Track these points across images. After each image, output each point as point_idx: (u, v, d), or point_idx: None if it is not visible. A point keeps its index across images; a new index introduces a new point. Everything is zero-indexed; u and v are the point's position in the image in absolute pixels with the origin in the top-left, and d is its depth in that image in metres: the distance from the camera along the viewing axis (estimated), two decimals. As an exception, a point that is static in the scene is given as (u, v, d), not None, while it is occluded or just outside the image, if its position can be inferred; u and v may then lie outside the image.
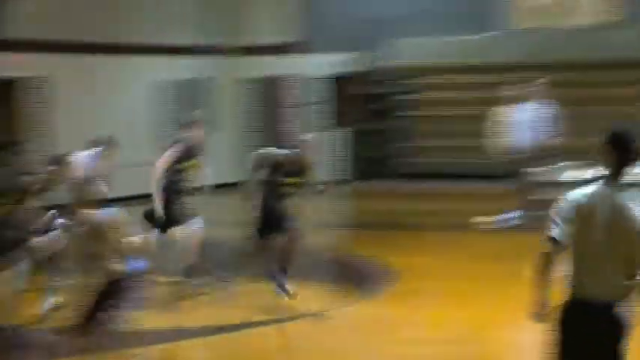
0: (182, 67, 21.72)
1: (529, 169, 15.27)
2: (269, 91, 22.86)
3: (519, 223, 15.13)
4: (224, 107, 22.54)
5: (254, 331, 9.64)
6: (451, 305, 10.37)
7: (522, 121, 15.26)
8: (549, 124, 15.29)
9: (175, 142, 11.11)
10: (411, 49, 21.25)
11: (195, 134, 11.17)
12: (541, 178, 15.60)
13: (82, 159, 11.91)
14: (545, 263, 5.35)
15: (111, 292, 7.81)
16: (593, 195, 5.27)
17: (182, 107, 21.61)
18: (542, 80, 15.67)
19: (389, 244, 13.40)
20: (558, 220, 5.32)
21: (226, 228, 12.21)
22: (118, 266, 7.80)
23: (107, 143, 12.33)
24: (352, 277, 10.54)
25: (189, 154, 11.05)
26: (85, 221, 7.87)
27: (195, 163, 11.19)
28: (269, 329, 9.73)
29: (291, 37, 22.50)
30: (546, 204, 16.14)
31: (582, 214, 5.25)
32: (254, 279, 11.20)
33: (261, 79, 22.88)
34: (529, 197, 15.36)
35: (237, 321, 9.93)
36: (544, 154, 15.40)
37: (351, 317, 10.22)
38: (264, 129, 22.37)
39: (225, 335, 9.49)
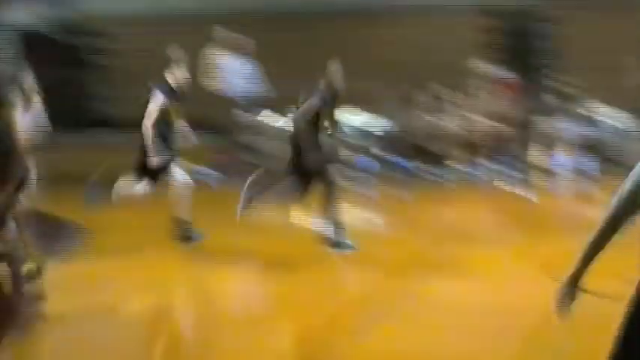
0: None
1: (242, 120, 15.48)
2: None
3: (218, 179, 15.27)
4: None
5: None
6: (142, 261, 10.22)
7: (229, 71, 15.42)
8: (254, 74, 15.54)
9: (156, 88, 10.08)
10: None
11: (177, 76, 10.15)
12: (249, 127, 15.87)
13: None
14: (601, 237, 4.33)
15: None
16: None
17: None
18: (244, 33, 15.88)
19: (79, 199, 13.09)
20: (623, 191, 4.28)
21: None
22: None
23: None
24: (42, 235, 10.29)
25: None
26: None
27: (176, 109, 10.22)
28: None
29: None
30: (252, 153, 16.37)
31: None
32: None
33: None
34: (233, 153, 15.55)
35: None
36: (251, 103, 15.68)
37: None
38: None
39: None
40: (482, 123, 16.02)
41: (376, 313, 8.18)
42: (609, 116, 16.71)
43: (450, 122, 16.32)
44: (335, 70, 10.25)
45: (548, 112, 16.58)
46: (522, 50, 19.04)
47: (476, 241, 11.03)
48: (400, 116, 16.29)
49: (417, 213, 12.76)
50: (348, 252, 9.97)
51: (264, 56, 16.56)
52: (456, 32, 19.57)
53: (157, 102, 10.16)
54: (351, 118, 17.14)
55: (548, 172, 16.05)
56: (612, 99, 17.10)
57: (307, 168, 10.08)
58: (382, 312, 8.25)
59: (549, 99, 16.87)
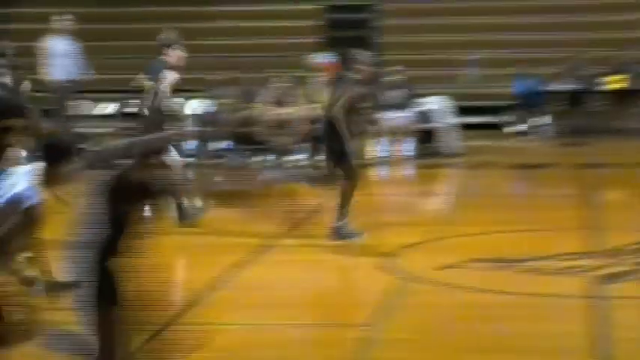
0: None
1: (66, 104, 15.53)
2: None
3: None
4: None
5: None
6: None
7: (58, 55, 15.48)
8: (78, 58, 15.61)
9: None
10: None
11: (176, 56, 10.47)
12: (73, 112, 15.89)
13: None
14: None
15: None
16: None
17: None
18: (69, 15, 15.84)
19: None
20: None
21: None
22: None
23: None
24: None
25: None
26: None
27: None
28: None
29: None
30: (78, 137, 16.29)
31: None
32: None
33: None
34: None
35: None
36: (74, 89, 15.73)
37: None
38: None
39: None
40: (306, 111, 16.26)
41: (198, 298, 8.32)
42: (431, 105, 17.45)
43: (276, 110, 16.51)
44: (365, 59, 10.63)
45: (373, 100, 17.23)
46: (351, 40, 19.71)
47: (302, 230, 11.15)
48: (231, 104, 16.49)
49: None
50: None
51: (90, 36, 16.74)
52: (292, 22, 20.12)
53: (165, 81, 10.53)
54: (184, 104, 17.40)
55: (372, 159, 16.61)
56: (437, 90, 17.95)
57: (343, 154, 10.43)
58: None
59: (375, 89, 17.54)
